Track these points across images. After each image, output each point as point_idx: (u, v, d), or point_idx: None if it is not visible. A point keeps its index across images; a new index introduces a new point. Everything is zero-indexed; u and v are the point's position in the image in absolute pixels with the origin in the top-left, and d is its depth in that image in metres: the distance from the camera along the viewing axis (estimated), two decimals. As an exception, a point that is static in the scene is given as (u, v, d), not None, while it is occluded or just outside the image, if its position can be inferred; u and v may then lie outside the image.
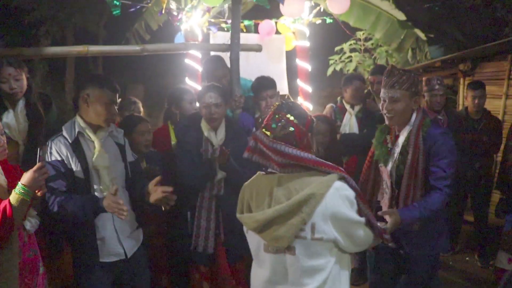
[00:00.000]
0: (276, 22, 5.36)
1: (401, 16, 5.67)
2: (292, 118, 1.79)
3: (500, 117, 5.12)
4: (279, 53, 5.42)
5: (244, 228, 1.89)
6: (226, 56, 3.73)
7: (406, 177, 2.51)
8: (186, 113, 3.46)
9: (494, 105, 5.14)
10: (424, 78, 4.19)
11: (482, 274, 4.23)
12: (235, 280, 3.02)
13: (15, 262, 2.20)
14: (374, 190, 2.74)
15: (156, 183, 2.42)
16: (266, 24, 5.23)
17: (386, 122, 2.60)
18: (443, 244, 2.70)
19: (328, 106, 4.23)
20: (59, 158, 2.33)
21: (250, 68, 4.65)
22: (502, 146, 4.33)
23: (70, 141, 2.37)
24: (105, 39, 11.77)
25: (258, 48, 4.06)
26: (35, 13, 10.63)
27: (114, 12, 3.92)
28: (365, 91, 4.23)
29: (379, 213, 2.35)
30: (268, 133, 1.78)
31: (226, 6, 4.97)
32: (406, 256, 2.64)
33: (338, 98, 4.18)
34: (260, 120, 3.42)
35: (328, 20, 5.62)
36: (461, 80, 5.69)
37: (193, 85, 4.82)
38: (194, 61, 4.98)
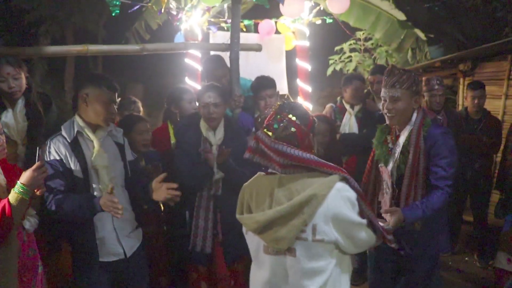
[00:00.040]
0: (276, 22, 5.36)
1: (401, 16, 5.67)
2: (294, 118, 1.77)
3: (499, 117, 5.12)
4: (279, 52, 5.42)
5: (243, 229, 1.88)
6: (226, 55, 3.73)
7: (407, 176, 2.51)
8: (186, 113, 3.46)
9: (493, 105, 5.14)
10: (423, 78, 4.19)
11: (481, 274, 4.23)
12: (233, 280, 3.01)
13: (14, 261, 2.20)
14: (376, 190, 2.74)
15: (160, 180, 2.42)
16: (266, 24, 5.22)
17: (387, 121, 2.59)
18: (443, 244, 2.70)
19: (328, 106, 4.23)
20: (57, 158, 2.33)
21: (250, 67, 4.65)
22: (501, 147, 4.33)
23: (69, 141, 2.37)
24: (104, 39, 11.76)
25: (258, 48, 4.06)
26: (35, 13, 10.62)
27: (113, 13, 3.92)
28: (365, 91, 4.23)
29: (383, 211, 2.34)
30: (269, 133, 1.77)
31: (225, 5, 4.96)
32: (406, 256, 2.64)
33: (338, 98, 4.18)
34: (259, 120, 3.41)
35: (328, 20, 5.62)
36: (461, 80, 5.68)
37: (192, 84, 4.82)
38: (194, 60, 4.98)
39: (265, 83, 3.52)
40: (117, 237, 2.46)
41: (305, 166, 1.73)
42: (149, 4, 5.03)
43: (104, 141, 2.48)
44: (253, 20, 5.42)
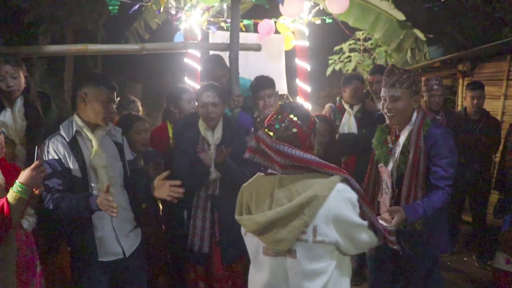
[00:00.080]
0: (275, 22, 5.36)
1: (401, 16, 5.67)
2: (295, 119, 1.76)
3: (498, 117, 5.12)
4: (278, 52, 5.42)
5: (242, 230, 1.86)
6: (225, 55, 3.73)
7: (407, 176, 2.51)
8: (185, 113, 3.46)
9: (493, 106, 5.14)
10: (423, 78, 4.19)
11: (480, 275, 4.23)
12: (231, 281, 3.01)
13: (12, 260, 2.20)
14: (375, 191, 2.74)
15: (163, 178, 2.41)
16: (265, 24, 5.22)
17: (387, 121, 2.59)
18: (443, 244, 2.70)
19: (327, 106, 4.23)
20: (56, 157, 2.33)
21: (249, 67, 4.65)
22: (500, 147, 4.33)
23: (67, 140, 2.37)
24: (104, 38, 11.74)
25: (257, 48, 4.06)
26: (34, 12, 10.61)
27: (112, 12, 3.92)
28: (364, 91, 4.23)
29: (385, 210, 2.33)
30: (271, 133, 1.75)
31: (225, 5, 4.96)
32: (406, 256, 2.64)
33: (337, 98, 4.19)
34: (258, 119, 3.41)
35: (328, 20, 5.62)
36: (460, 81, 5.69)
37: (192, 84, 4.82)
38: (193, 60, 4.98)
39: (264, 83, 3.52)
40: (116, 236, 2.45)
41: (306, 167, 1.71)
42: (149, 3, 5.03)
43: (103, 140, 2.47)
44: (253, 20, 5.42)
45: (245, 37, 4.75)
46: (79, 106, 2.41)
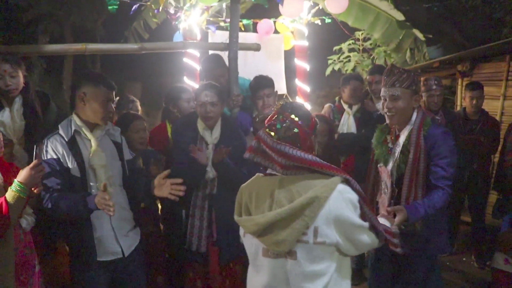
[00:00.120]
0: (274, 22, 5.36)
1: (400, 16, 5.67)
2: (296, 119, 1.75)
3: (497, 118, 5.13)
4: (277, 52, 5.42)
5: (241, 232, 1.85)
6: (224, 55, 3.73)
7: (407, 176, 2.51)
8: (184, 112, 3.46)
9: (492, 106, 5.15)
10: (422, 79, 4.19)
11: (479, 275, 4.24)
12: (229, 281, 3.00)
13: (11, 260, 2.20)
14: (374, 191, 2.74)
15: (164, 177, 2.41)
16: (264, 23, 5.22)
17: (387, 121, 2.59)
18: (443, 244, 2.70)
19: (326, 105, 4.24)
20: (55, 157, 2.32)
21: (249, 67, 4.65)
22: (499, 147, 4.34)
23: (66, 140, 2.36)
24: (103, 38, 11.73)
25: (256, 47, 4.06)
26: (33, 11, 10.59)
27: (110, 7, 3.91)
28: (363, 91, 4.23)
29: (388, 209, 2.32)
30: (272, 133, 1.74)
31: (224, 5, 4.96)
32: (406, 256, 2.64)
33: (336, 98, 4.19)
34: (257, 119, 3.42)
35: (327, 20, 5.62)
36: (459, 81, 5.69)
37: (191, 84, 4.81)
38: (192, 60, 4.98)
39: (263, 82, 3.52)
40: (115, 236, 2.45)
41: (307, 167, 1.70)
42: (148, 3, 5.03)
43: (101, 140, 2.47)
44: (252, 20, 5.42)
45: (244, 37, 4.75)
46: (78, 106, 2.41)
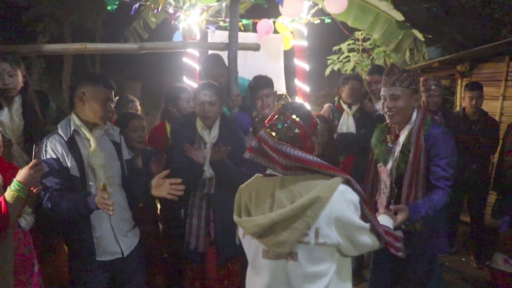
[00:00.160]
0: (274, 22, 5.36)
1: (399, 17, 5.67)
2: (298, 119, 1.75)
3: (497, 118, 5.13)
4: (277, 52, 5.41)
5: (240, 232, 1.84)
6: (224, 54, 3.73)
7: (408, 175, 2.50)
8: (183, 112, 3.46)
9: (491, 106, 5.15)
10: (421, 79, 4.19)
11: (478, 275, 4.24)
12: (227, 281, 3.00)
13: (10, 259, 2.20)
14: (373, 191, 2.74)
15: (163, 177, 2.41)
16: (264, 23, 5.22)
17: (387, 120, 2.59)
18: (442, 244, 2.70)
19: (326, 105, 4.24)
20: (54, 156, 2.32)
21: (248, 67, 4.65)
22: (498, 147, 4.34)
23: (65, 139, 2.36)
24: (103, 37, 11.74)
25: (256, 47, 4.06)
26: (33, 10, 10.61)
27: (109, 7, 3.91)
28: (362, 91, 4.23)
29: (392, 207, 2.31)
30: (273, 133, 1.73)
31: (224, 4, 4.96)
32: (405, 256, 2.64)
33: (336, 98, 4.19)
34: (256, 119, 3.41)
35: (327, 20, 5.62)
36: (459, 81, 5.69)
37: (190, 83, 4.81)
38: (192, 59, 4.98)
39: (262, 82, 3.51)
40: (114, 236, 2.45)
41: (308, 168, 1.69)
42: (148, 2, 5.03)
43: (100, 140, 2.47)
44: (252, 20, 5.42)
45: (244, 37, 4.75)
46: (77, 105, 2.40)
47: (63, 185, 2.31)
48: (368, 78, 4.10)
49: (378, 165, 2.68)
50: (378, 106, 3.84)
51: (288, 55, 5.62)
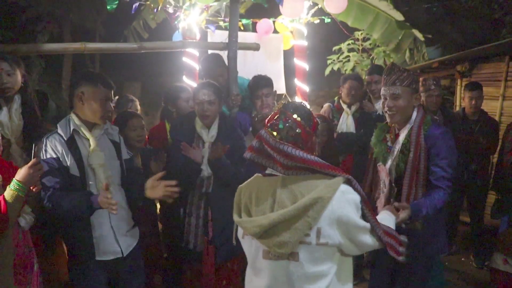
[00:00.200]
0: (274, 21, 5.36)
1: (399, 17, 5.67)
2: (299, 119, 1.74)
3: (497, 118, 5.13)
4: (276, 52, 5.42)
5: (239, 233, 1.83)
6: (224, 54, 3.72)
7: (408, 175, 2.50)
8: (183, 111, 3.46)
9: (491, 106, 5.15)
10: (420, 78, 4.19)
11: (477, 275, 4.24)
12: (226, 280, 2.99)
13: (9, 258, 2.20)
14: (372, 191, 2.74)
15: (158, 178, 2.40)
16: (264, 23, 5.22)
17: (388, 120, 2.58)
18: (441, 244, 2.70)
19: (326, 105, 4.25)
20: (54, 156, 2.31)
21: (248, 67, 4.65)
22: (498, 147, 4.34)
23: (65, 139, 2.36)
24: (103, 37, 11.72)
25: (256, 47, 4.06)
26: (33, 10, 10.58)
27: (109, 6, 3.91)
28: (362, 91, 4.23)
29: (396, 204, 2.30)
30: (274, 133, 1.73)
31: (224, 4, 4.96)
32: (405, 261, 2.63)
33: (336, 98, 4.20)
34: (256, 119, 3.41)
35: (326, 20, 5.62)
36: (459, 81, 5.69)
37: (190, 83, 4.81)
38: (191, 59, 4.98)
39: (261, 82, 3.51)
40: (114, 236, 2.45)
41: (309, 168, 1.69)
42: (148, 2, 5.03)
43: (100, 139, 2.46)
44: (251, 19, 5.42)
45: (243, 37, 4.74)
46: (76, 105, 2.40)
47: (63, 184, 2.31)
48: (368, 78, 4.10)
49: (378, 164, 2.68)
50: (378, 106, 3.84)
51: (288, 55, 5.62)
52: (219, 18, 5.24)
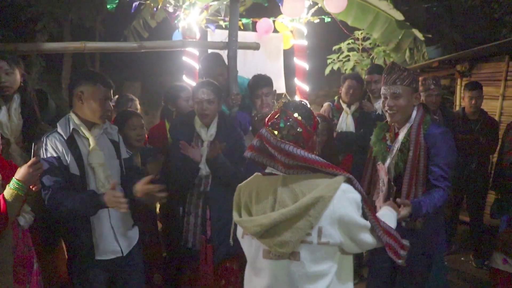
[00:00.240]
0: (274, 21, 5.35)
1: (399, 16, 5.67)
2: (300, 118, 1.74)
3: (496, 118, 5.13)
4: (276, 51, 5.42)
5: (239, 232, 1.83)
6: (224, 53, 3.72)
7: (407, 174, 2.50)
8: (183, 111, 3.45)
9: (491, 106, 5.15)
10: (420, 78, 4.19)
11: (477, 274, 4.25)
12: (225, 279, 2.99)
13: (9, 258, 2.19)
14: (371, 191, 2.74)
15: (146, 182, 2.38)
16: (264, 23, 5.22)
17: (388, 119, 2.58)
18: (440, 243, 2.70)
19: (326, 104, 4.25)
20: (55, 155, 2.31)
21: (248, 66, 4.65)
22: (498, 147, 4.34)
23: (65, 138, 2.36)
24: (103, 36, 11.72)
25: (256, 46, 4.06)
26: (32, 9, 10.57)
27: (108, 6, 3.91)
28: (361, 90, 4.23)
29: (398, 200, 2.29)
30: (275, 132, 1.72)
31: (224, 3, 4.96)
32: (405, 265, 2.63)
33: (336, 97, 4.20)
34: (256, 118, 3.41)
35: (326, 19, 5.62)
36: (458, 81, 5.69)
37: (190, 82, 4.81)
38: (191, 58, 4.98)
39: (261, 81, 3.51)
40: (114, 235, 2.45)
41: (310, 167, 1.68)
42: (148, 1, 5.03)
43: (99, 139, 2.46)
44: (251, 19, 5.41)
45: (243, 36, 4.74)
46: (75, 104, 2.40)
47: (64, 183, 2.30)
48: (368, 77, 4.10)
49: (377, 163, 2.68)
50: (377, 105, 3.84)
51: (288, 54, 5.62)
52: (219, 18, 5.23)
